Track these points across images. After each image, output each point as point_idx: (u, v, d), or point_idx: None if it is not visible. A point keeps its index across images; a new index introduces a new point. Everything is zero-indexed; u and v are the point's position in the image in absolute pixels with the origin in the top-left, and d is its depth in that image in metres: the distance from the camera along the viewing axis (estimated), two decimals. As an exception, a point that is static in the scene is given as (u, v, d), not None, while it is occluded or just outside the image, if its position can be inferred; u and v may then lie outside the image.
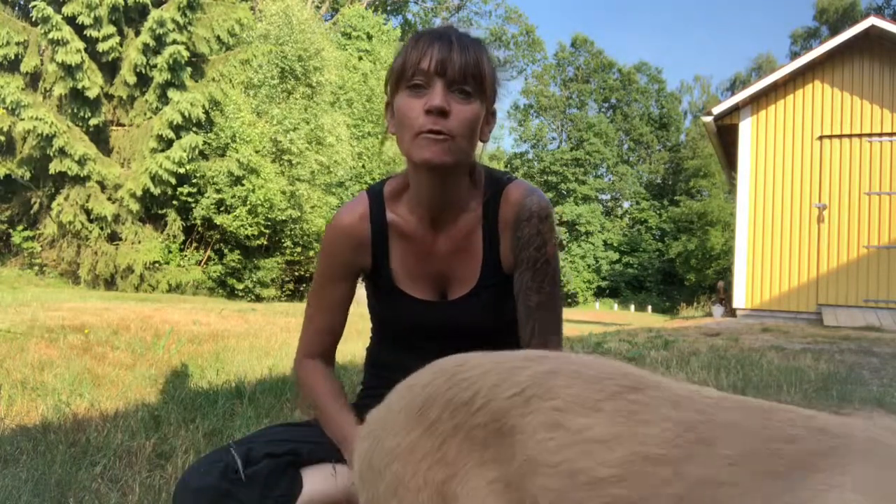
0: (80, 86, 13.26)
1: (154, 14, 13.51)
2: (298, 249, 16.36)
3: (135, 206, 13.95)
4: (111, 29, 13.65)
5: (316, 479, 1.16)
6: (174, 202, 14.76)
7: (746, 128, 9.70)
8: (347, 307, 1.35)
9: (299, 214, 15.62)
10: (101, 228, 14.04)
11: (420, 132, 1.14)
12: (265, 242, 15.57)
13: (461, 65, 1.14)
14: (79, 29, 13.29)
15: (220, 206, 14.78)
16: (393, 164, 20.11)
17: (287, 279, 17.16)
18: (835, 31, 27.32)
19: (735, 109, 9.81)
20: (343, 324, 1.36)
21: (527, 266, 1.27)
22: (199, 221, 15.01)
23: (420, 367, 1.37)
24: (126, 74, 13.94)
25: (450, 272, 1.30)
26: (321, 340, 1.34)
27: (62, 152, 13.12)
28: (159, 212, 14.92)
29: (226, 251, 15.38)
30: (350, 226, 1.29)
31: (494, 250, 1.29)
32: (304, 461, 1.18)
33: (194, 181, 14.56)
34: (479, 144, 1.24)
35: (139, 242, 14.36)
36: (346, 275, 1.32)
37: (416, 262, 1.29)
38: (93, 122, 13.92)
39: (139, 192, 13.69)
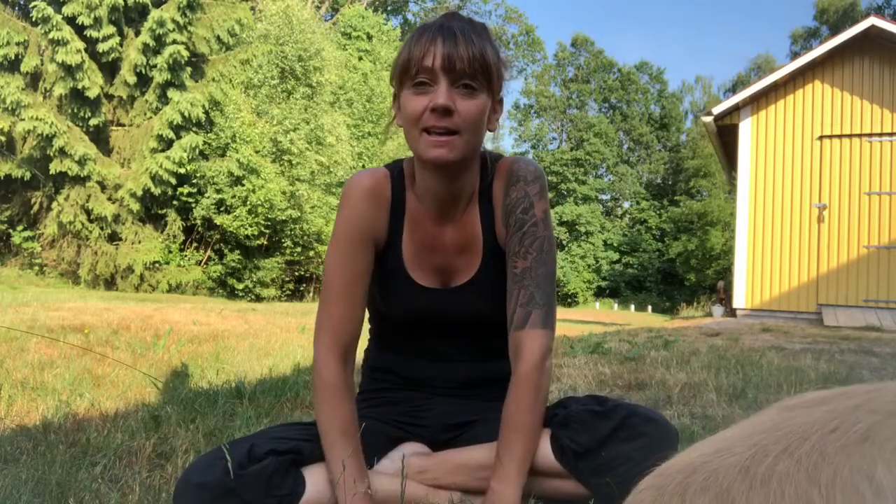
0: (80, 86, 13.28)
1: (154, 14, 13.53)
2: (298, 249, 16.36)
3: (135, 206, 13.96)
4: (111, 29, 13.66)
5: (319, 481, 1.15)
6: (174, 202, 14.77)
7: (746, 128, 9.69)
8: (367, 285, 1.27)
9: (299, 214, 15.63)
10: (102, 228, 14.05)
11: (425, 130, 1.13)
12: (265, 242, 15.58)
13: (467, 60, 1.11)
14: (79, 29, 13.31)
15: (221, 206, 14.78)
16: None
17: (287, 279, 17.17)
18: (835, 31, 27.33)
19: (735, 109, 9.81)
20: (364, 309, 1.27)
21: (514, 230, 1.24)
22: (199, 221, 15.02)
23: (417, 366, 1.37)
24: (126, 74, 13.95)
25: (455, 263, 1.30)
26: (343, 329, 1.23)
27: (62, 152, 13.13)
28: (159, 212, 14.94)
29: (226, 251, 15.39)
30: (373, 183, 1.27)
31: (490, 228, 1.28)
32: (306, 460, 1.17)
33: (194, 181, 14.57)
34: (487, 134, 1.23)
35: (139, 242, 14.37)
36: (368, 240, 1.25)
37: (424, 252, 1.29)
38: (93, 122, 13.93)
39: (139, 192, 13.70)
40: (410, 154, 1.26)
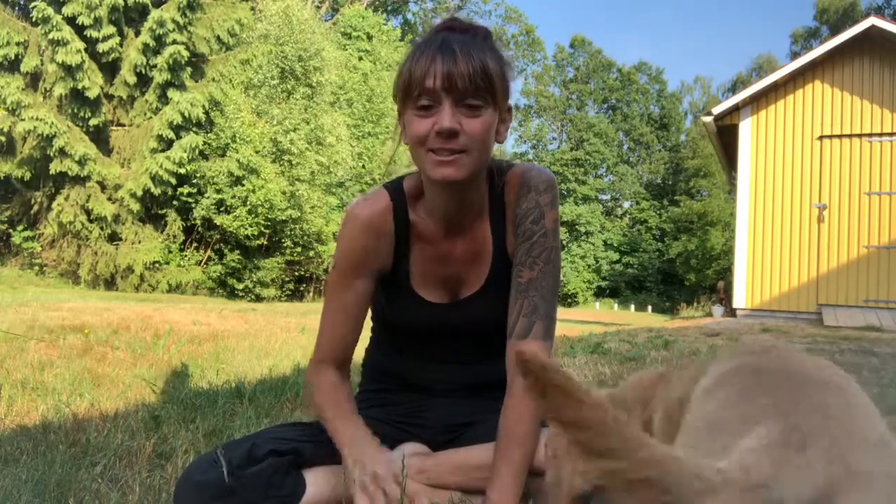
0: (80, 86, 13.27)
1: (154, 14, 13.52)
2: (298, 249, 16.36)
3: (135, 207, 13.96)
4: (111, 29, 13.65)
5: (320, 482, 1.16)
6: (174, 202, 14.77)
7: (746, 128, 9.69)
8: (365, 310, 1.30)
9: (299, 215, 15.62)
10: (102, 228, 14.05)
11: (431, 151, 1.12)
12: (265, 242, 15.58)
13: (468, 77, 1.09)
14: (79, 29, 13.30)
15: (220, 206, 14.78)
16: (393, 164, 20.08)
17: (287, 279, 17.16)
18: (835, 31, 27.33)
19: (735, 109, 9.80)
20: (359, 329, 1.31)
21: (523, 240, 1.24)
22: (199, 221, 15.02)
23: (419, 369, 1.37)
24: (126, 74, 13.95)
25: (464, 275, 1.29)
26: (335, 347, 1.29)
27: (62, 152, 13.13)
28: (159, 212, 14.94)
29: (226, 251, 15.38)
30: (373, 216, 1.26)
31: (501, 238, 1.27)
32: (307, 461, 1.17)
33: (194, 181, 14.57)
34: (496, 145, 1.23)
35: (139, 242, 14.36)
36: (366, 270, 1.27)
37: (433, 266, 1.28)
38: (93, 122, 13.93)
39: (139, 193, 13.70)
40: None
